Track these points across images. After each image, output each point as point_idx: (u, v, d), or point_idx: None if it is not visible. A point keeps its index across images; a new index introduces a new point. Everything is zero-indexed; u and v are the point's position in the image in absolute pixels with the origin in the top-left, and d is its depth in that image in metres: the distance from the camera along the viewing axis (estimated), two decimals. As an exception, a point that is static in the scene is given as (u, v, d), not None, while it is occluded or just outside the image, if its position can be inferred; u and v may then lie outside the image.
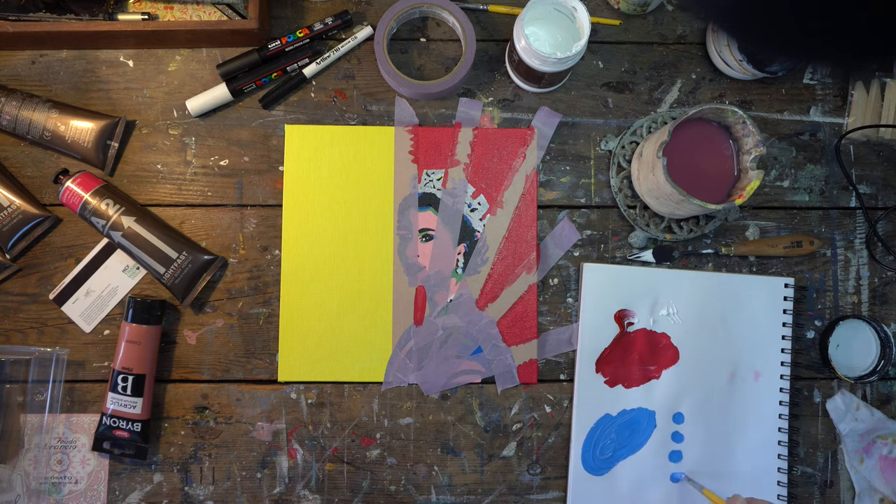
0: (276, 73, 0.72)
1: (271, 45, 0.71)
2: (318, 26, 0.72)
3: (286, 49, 0.72)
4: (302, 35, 0.71)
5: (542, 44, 0.70)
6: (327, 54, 0.72)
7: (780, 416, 0.71)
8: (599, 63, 0.75)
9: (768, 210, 0.74)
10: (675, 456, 0.71)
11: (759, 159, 0.65)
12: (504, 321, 0.72)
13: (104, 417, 0.68)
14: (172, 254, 0.69)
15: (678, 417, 0.71)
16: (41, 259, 0.72)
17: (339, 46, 0.73)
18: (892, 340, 0.71)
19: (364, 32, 0.73)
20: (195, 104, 0.71)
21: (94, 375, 0.71)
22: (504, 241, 0.73)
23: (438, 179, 0.73)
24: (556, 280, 0.73)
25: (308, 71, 0.72)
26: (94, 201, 0.68)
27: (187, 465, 0.71)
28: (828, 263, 0.74)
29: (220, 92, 0.72)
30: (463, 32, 0.71)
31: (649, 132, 0.72)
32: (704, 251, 0.73)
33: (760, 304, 0.72)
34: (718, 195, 0.67)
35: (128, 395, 0.67)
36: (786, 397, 0.71)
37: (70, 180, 0.69)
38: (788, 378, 0.72)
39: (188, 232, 0.72)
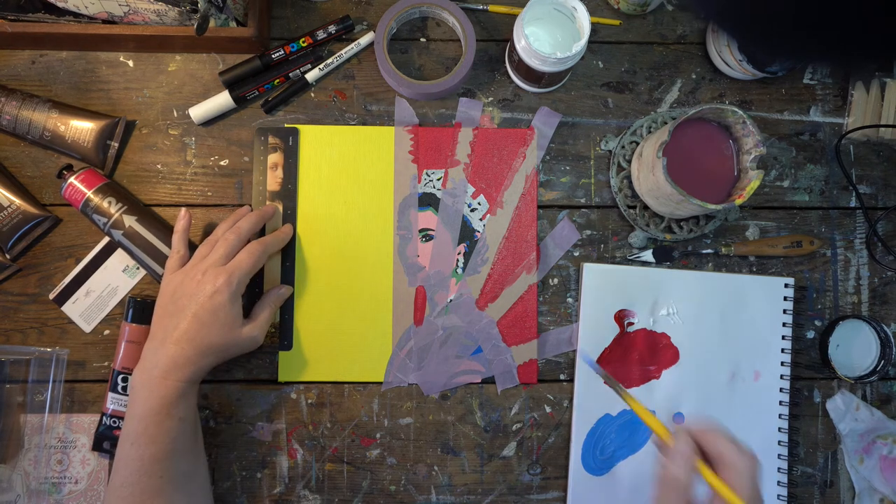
0: (278, 80, 0.72)
1: (275, 55, 0.71)
2: (321, 35, 0.72)
3: (289, 58, 0.72)
4: (305, 45, 0.72)
5: (542, 44, 0.70)
6: (330, 60, 0.72)
7: (780, 416, 0.71)
8: (599, 63, 0.75)
9: (768, 210, 0.74)
10: (675, 456, 0.71)
11: (759, 159, 0.65)
12: (504, 321, 0.72)
13: (104, 417, 0.68)
14: (172, 254, 0.69)
15: (678, 417, 0.71)
16: (41, 259, 0.72)
17: (342, 52, 0.73)
18: (892, 340, 0.71)
19: (367, 38, 0.73)
20: (198, 112, 0.71)
21: (94, 375, 0.71)
22: (504, 241, 0.73)
23: (438, 179, 0.73)
24: (556, 280, 0.73)
25: (311, 76, 0.72)
26: (96, 198, 0.68)
27: (187, 465, 0.70)
28: (828, 263, 0.74)
29: (222, 100, 0.71)
30: (463, 32, 0.71)
31: (649, 132, 0.72)
32: (704, 251, 0.73)
33: (760, 304, 0.72)
34: (718, 195, 0.67)
35: (128, 395, 0.67)
36: (786, 397, 0.71)
37: (74, 176, 0.68)
38: (788, 378, 0.72)
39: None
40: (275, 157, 0.72)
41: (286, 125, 0.73)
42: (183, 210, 0.68)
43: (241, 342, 0.64)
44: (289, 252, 0.72)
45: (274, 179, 0.72)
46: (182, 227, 0.67)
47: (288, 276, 0.71)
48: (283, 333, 0.71)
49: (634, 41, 0.75)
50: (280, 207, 0.72)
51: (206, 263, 0.64)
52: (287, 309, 0.71)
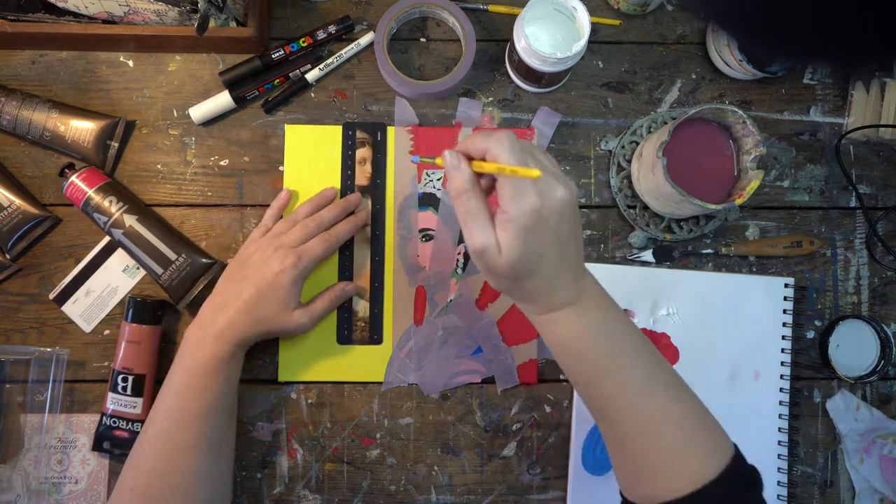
0: (278, 80, 0.72)
1: (275, 55, 0.71)
2: (321, 35, 0.72)
3: (289, 58, 0.72)
4: (305, 45, 0.72)
5: (542, 44, 0.70)
6: (330, 60, 0.72)
7: (780, 416, 0.71)
8: (599, 63, 0.75)
9: (768, 210, 0.74)
10: (675, 456, 0.71)
11: (759, 159, 0.65)
12: (504, 321, 0.72)
13: (104, 417, 0.68)
14: (171, 255, 0.69)
15: (678, 417, 0.71)
16: (41, 259, 0.72)
17: (342, 52, 0.73)
18: (892, 340, 0.71)
19: (366, 38, 0.73)
20: (198, 113, 0.71)
21: (94, 375, 0.71)
22: (504, 241, 0.73)
23: (438, 179, 0.73)
24: (556, 280, 0.73)
25: (311, 76, 0.72)
26: (97, 197, 0.68)
27: (187, 465, 0.70)
28: (828, 263, 0.74)
29: (223, 100, 0.72)
30: (463, 32, 0.71)
31: (649, 132, 0.72)
32: (704, 251, 0.73)
33: (760, 304, 0.72)
34: (718, 195, 0.67)
35: (128, 395, 0.67)
36: (786, 397, 0.71)
37: (75, 175, 0.68)
38: (788, 378, 0.72)
39: (188, 232, 0.72)
40: (363, 152, 0.72)
41: (369, 121, 0.73)
42: (285, 191, 0.71)
43: (289, 325, 0.66)
44: (377, 247, 0.72)
45: (363, 174, 0.72)
46: (279, 206, 0.70)
47: (377, 270, 0.72)
48: (373, 328, 0.71)
49: (634, 41, 0.75)
50: (370, 202, 0.72)
51: (280, 241, 0.66)
52: (377, 302, 0.71)
